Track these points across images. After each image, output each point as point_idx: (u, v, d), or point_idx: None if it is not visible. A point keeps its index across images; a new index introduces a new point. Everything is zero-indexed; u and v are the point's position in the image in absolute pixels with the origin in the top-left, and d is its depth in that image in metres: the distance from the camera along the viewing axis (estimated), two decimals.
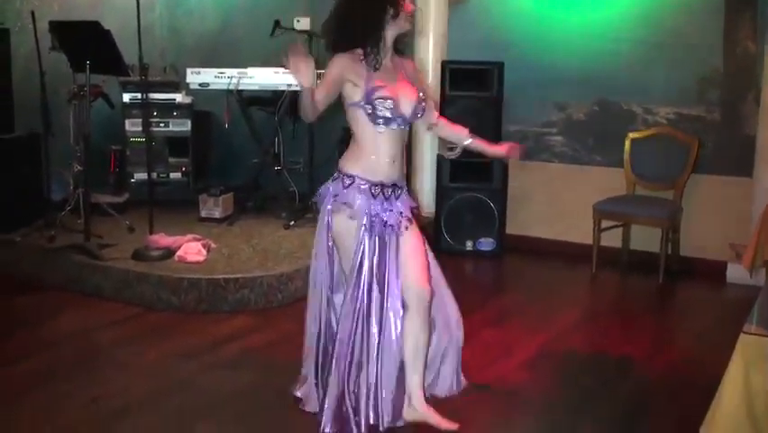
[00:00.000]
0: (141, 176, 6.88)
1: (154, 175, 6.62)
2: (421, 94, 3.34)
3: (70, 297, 5.29)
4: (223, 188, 6.68)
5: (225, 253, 5.54)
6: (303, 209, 6.65)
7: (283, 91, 6.60)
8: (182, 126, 7.22)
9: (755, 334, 2.32)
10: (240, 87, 6.54)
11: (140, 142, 6.88)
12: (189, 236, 5.61)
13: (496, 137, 6.50)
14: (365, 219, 3.26)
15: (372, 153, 3.29)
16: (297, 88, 6.53)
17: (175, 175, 7.24)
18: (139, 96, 6.73)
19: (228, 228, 6.34)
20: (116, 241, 5.74)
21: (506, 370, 4.15)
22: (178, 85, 7.17)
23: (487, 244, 6.49)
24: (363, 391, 3.23)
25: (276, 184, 6.93)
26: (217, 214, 6.52)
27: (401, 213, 3.35)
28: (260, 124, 6.96)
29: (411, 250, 3.35)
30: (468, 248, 6.51)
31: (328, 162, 6.97)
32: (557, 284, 5.94)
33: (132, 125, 7.04)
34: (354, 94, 3.25)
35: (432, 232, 6.59)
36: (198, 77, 6.61)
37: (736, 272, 5.61)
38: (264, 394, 3.85)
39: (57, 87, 6.21)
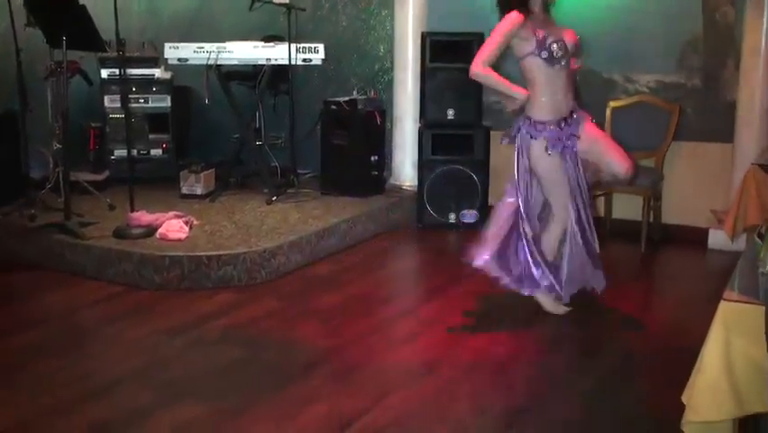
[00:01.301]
0: (120, 153, 6.83)
1: (134, 152, 6.59)
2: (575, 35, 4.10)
3: (52, 275, 5.26)
4: (204, 165, 6.65)
5: (207, 230, 5.52)
6: (285, 184, 6.64)
7: (263, 65, 6.56)
8: (162, 102, 7.17)
9: (735, 301, 2.33)
10: (219, 62, 6.49)
11: (119, 118, 6.83)
12: (171, 213, 5.58)
13: (477, 109, 6.51)
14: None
15: (554, 93, 4.07)
16: (277, 63, 6.54)
17: (155, 151, 7.20)
18: (117, 72, 6.67)
19: (210, 204, 6.31)
20: (97, 219, 5.71)
21: (488, 341, 4.16)
22: (156, 60, 7.11)
23: (470, 216, 6.48)
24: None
25: (257, 159, 6.90)
26: (199, 190, 6.49)
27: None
28: (240, 98, 6.91)
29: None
30: (451, 220, 6.50)
31: (309, 136, 6.98)
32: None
33: (111, 102, 6.99)
34: (525, 46, 4.01)
35: (415, 205, 6.59)
36: (177, 52, 6.55)
37: (718, 239, 5.64)
38: (249, 370, 3.85)
39: (34, 63, 6.14)
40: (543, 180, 4.24)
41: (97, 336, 4.37)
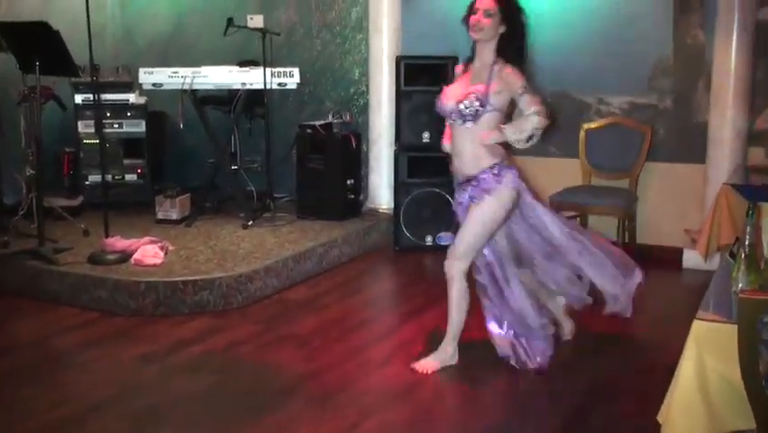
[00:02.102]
0: (95, 178, 6.80)
1: (109, 177, 6.55)
2: (472, 94, 3.78)
3: (26, 302, 5.20)
4: (179, 189, 6.62)
5: (183, 255, 5.49)
6: (261, 208, 6.63)
7: (238, 90, 6.57)
8: (136, 127, 7.14)
9: (708, 320, 2.35)
10: (194, 87, 6.49)
11: (93, 143, 6.79)
12: (146, 239, 5.55)
13: None
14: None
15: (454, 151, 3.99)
16: (252, 87, 6.55)
17: (130, 177, 7.16)
18: (91, 97, 6.64)
19: (186, 229, 6.28)
20: (71, 245, 5.66)
21: (468, 362, 4.16)
22: (131, 85, 7.09)
23: (446, 238, 6.47)
24: None
25: (233, 184, 6.89)
26: (174, 215, 6.46)
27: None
28: (215, 123, 6.91)
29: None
30: (427, 243, 6.51)
31: (285, 160, 6.98)
32: None
33: (85, 127, 6.95)
34: None
35: (391, 228, 6.60)
36: (151, 77, 6.55)
37: (692, 258, 5.68)
38: (225, 396, 3.82)
39: (6, 89, 6.11)
40: None
41: (71, 364, 4.31)
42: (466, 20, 3.89)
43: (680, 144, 6.09)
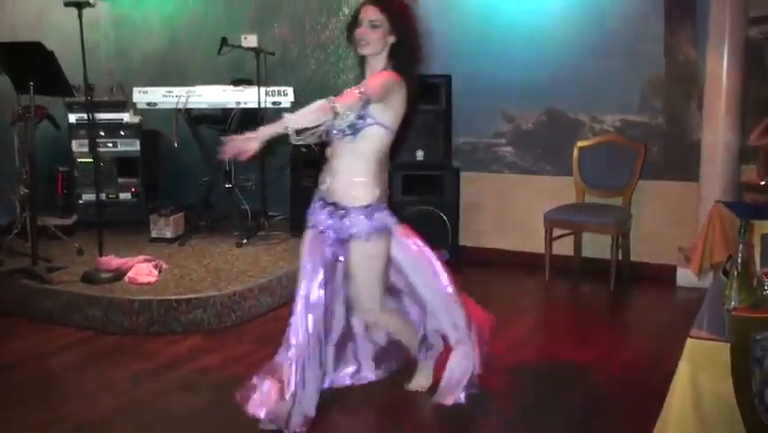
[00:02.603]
0: (89, 197, 6.79)
1: (103, 196, 6.55)
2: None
3: (20, 321, 5.19)
4: (173, 208, 6.62)
5: (177, 274, 5.48)
6: (255, 227, 6.62)
7: (232, 109, 6.58)
8: (131, 146, 7.15)
9: (701, 338, 2.35)
10: (188, 106, 6.49)
11: (87, 162, 6.79)
12: (140, 257, 5.54)
13: (446, 149, 6.57)
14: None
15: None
16: (246, 106, 6.56)
17: (124, 195, 7.16)
18: (85, 116, 6.65)
19: (180, 248, 6.28)
20: (65, 264, 5.66)
21: None
22: (125, 104, 7.09)
23: (440, 256, 6.47)
24: None
25: (227, 202, 6.89)
26: (168, 234, 6.46)
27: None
28: (209, 142, 6.91)
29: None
30: None
31: (279, 179, 6.99)
32: (511, 294, 5.97)
33: (79, 146, 6.95)
34: None
35: None
36: (146, 96, 6.55)
37: (686, 276, 5.68)
38: (217, 416, 3.80)
39: (1, 109, 6.11)
40: None
41: (64, 383, 4.30)
42: (350, 32, 3.48)
43: (672, 162, 6.11)
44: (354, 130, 3.40)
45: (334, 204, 3.56)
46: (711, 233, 4.66)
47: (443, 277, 3.83)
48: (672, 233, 6.03)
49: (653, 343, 4.79)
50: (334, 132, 3.44)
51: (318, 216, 3.65)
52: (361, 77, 3.57)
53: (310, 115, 3.27)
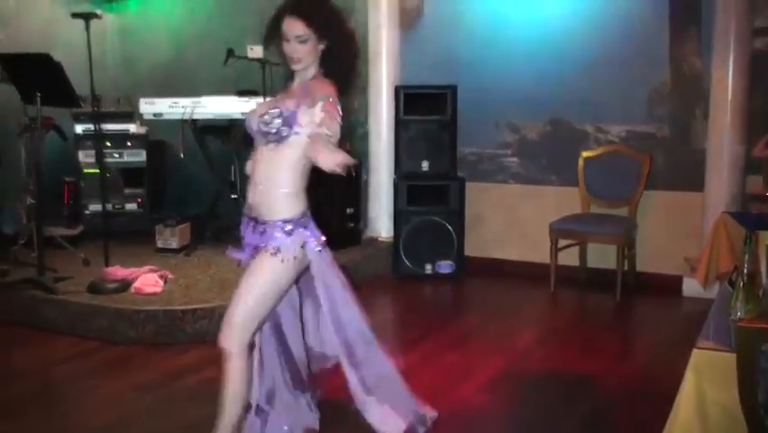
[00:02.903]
0: (95, 208, 6.81)
1: (109, 206, 6.56)
2: (276, 109, 3.07)
3: (26, 332, 5.19)
4: (179, 218, 6.63)
5: (183, 284, 5.49)
6: None
7: (237, 119, 6.58)
8: (137, 157, 7.17)
9: (707, 348, 2.35)
10: (194, 117, 6.51)
11: (94, 173, 6.82)
12: (146, 268, 5.55)
13: (452, 160, 6.58)
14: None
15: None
16: None
17: (130, 206, 7.17)
18: (92, 127, 6.67)
19: (185, 258, 6.28)
20: (71, 274, 5.66)
21: (466, 393, 4.15)
22: (131, 115, 7.12)
23: (446, 266, 6.50)
24: None
25: (233, 212, 6.89)
26: (174, 244, 6.47)
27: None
28: (215, 152, 6.94)
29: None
30: (427, 271, 6.51)
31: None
32: (516, 304, 5.96)
33: (86, 157, 6.98)
34: None
35: (390, 256, 6.60)
36: (152, 107, 6.58)
37: (692, 286, 5.65)
38: None
39: (7, 119, 6.13)
40: None
41: (70, 393, 4.30)
42: (278, 46, 3.20)
43: (678, 172, 6.11)
44: (280, 138, 3.08)
45: (255, 219, 3.19)
46: (717, 243, 4.65)
47: (366, 322, 3.44)
48: (677, 243, 6.02)
49: (659, 353, 4.78)
50: (260, 138, 3.16)
51: (249, 238, 3.25)
52: (287, 83, 3.29)
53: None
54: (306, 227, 3.23)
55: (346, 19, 3.24)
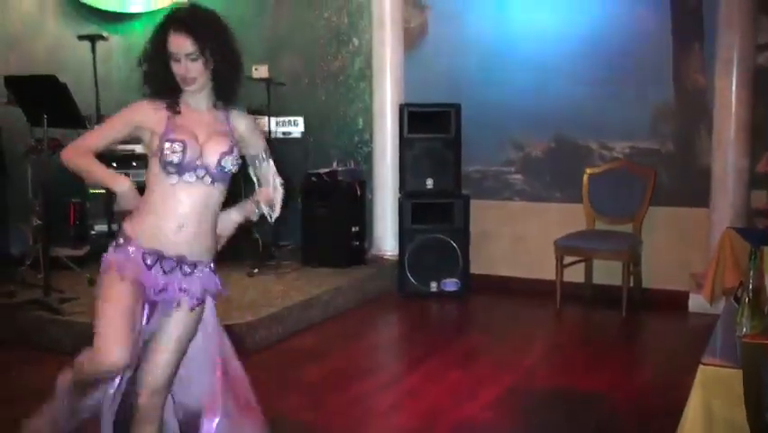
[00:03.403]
0: (101, 228, 6.82)
1: (115, 226, 6.57)
2: (232, 146, 2.89)
3: (31, 352, 5.18)
4: None
5: None
6: (266, 257, 6.63)
7: None
8: (142, 177, 7.14)
9: (713, 365, 2.35)
10: None
11: (99, 193, 6.83)
12: None
13: (456, 177, 6.59)
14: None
15: (154, 212, 2.86)
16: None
17: None
18: None
19: None
20: (77, 295, 5.66)
21: (471, 411, 4.14)
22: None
23: (451, 284, 6.50)
24: None
25: (239, 232, 6.88)
26: None
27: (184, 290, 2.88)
28: None
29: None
30: (432, 289, 6.51)
31: (290, 209, 7.00)
32: (522, 321, 5.95)
33: None
34: (153, 142, 2.89)
35: (396, 274, 6.60)
36: None
37: (699, 302, 5.65)
38: None
39: (15, 141, 6.17)
40: None
41: None
42: (161, 67, 2.90)
43: (683, 188, 6.11)
44: (225, 179, 2.91)
45: (180, 260, 2.85)
46: (722, 259, 4.65)
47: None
48: (683, 259, 6.01)
49: (666, 369, 4.77)
50: (204, 177, 2.84)
51: (163, 282, 2.84)
52: (171, 97, 2.93)
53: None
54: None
55: (230, 31, 2.98)
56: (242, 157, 2.99)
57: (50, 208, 5.79)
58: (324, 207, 6.71)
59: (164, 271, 2.83)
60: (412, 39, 6.98)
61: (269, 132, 6.42)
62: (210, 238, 2.93)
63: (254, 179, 3.20)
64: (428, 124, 6.52)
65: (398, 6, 6.92)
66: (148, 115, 2.92)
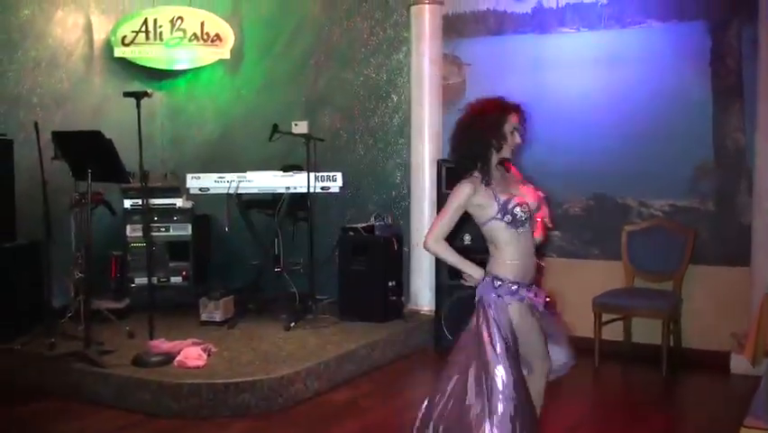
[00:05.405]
0: (141, 281, 6.91)
1: (155, 280, 6.66)
2: (539, 192, 3.72)
3: (71, 404, 5.23)
4: (223, 291, 6.69)
5: (226, 357, 5.52)
6: (303, 310, 6.65)
7: (282, 194, 6.70)
8: (183, 231, 7.28)
9: (756, 428, 2.31)
10: (239, 191, 6.63)
11: (140, 247, 6.94)
12: (189, 341, 5.60)
13: None
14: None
15: (522, 256, 3.63)
16: (296, 191, 6.66)
17: (175, 279, 7.27)
18: (140, 201, 6.81)
19: (229, 331, 6.33)
20: (116, 347, 5.72)
21: None
22: (178, 190, 7.26)
23: None
24: None
25: (276, 285, 6.96)
26: (218, 317, 6.52)
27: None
28: (259, 226, 7.04)
29: None
30: None
31: (327, 263, 7.06)
32: (560, 379, 5.86)
33: (133, 231, 7.11)
34: (486, 212, 3.58)
35: (432, 329, 6.58)
36: (198, 181, 6.73)
37: (741, 363, 5.56)
38: None
39: (59, 195, 6.29)
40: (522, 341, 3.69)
41: None
42: (500, 142, 3.64)
43: (723, 247, 6.05)
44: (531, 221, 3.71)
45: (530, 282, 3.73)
46: (765, 319, 4.57)
47: None
48: (725, 318, 5.93)
49: (707, 431, 4.68)
50: (527, 222, 3.66)
51: (535, 297, 3.72)
52: (493, 170, 3.67)
53: None
54: None
55: None
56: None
57: (91, 261, 5.88)
58: (361, 261, 6.74)
59: None
60: (451, 95, 7.05)
61: (308, 187, 6.48)
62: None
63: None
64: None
65: (437, 64, 7.01)
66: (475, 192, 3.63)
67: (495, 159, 3.64)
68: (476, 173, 3.62)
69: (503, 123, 3.65)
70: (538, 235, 3.77)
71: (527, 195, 3.69)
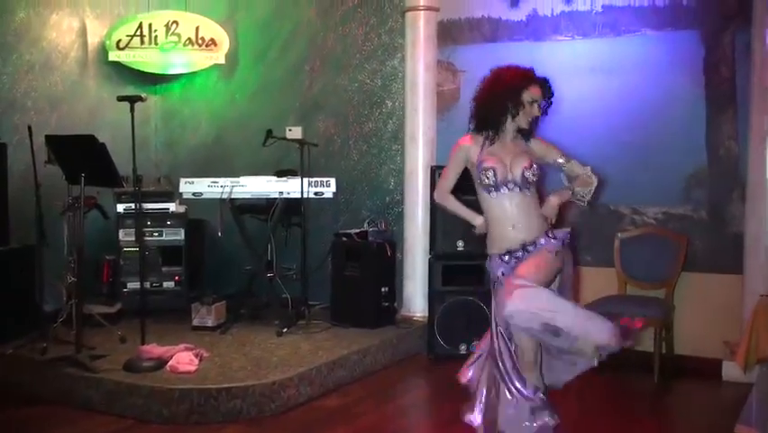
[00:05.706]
0: (134, 285, 6.89)
1: (147, 284, 6.64)
2: (533, 163, 3.80)
3: (62, 410, 5.21)
4: (215, 297, 6.68)
5: (218, 362, 5.50)
6: (296, 316, 6.65)
7: (275, 199, 6.69)
8: (176, 235, 7.27)
9: None
10: (233, 196, 6.62)
11: (133, 251, 6.92)
12: (181, 346, 5.58)
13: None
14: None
15: (498, 224, 3.82)
16: (289, 196, 6.66)
17: (168, 284, 7.24)
18: (133, 206, 6.80)
19: (221, 336, 6.31)
20: (108, 352, 5.70)
21: None
22: (171, 194, 7.25)
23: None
24: None
25: (269, 291, 6.95)
26: (210, 322, 6.50)
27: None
28: (252, 231, 7.03)
29: None
30: (462, 351, 6.43)
31: (320, 268, 7.05)
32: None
33: (126, 235, 7.09)
34: (473, 172, 3.79)
35: (425, 336, 6.58)
36: (192, 186, 6.71)
37: (732, 370, 5.58)
38: None
39: (52, 199, 6.27)
40: None
41: None
42: (517, 109, 3.85)
43: (716, 255, 6.06)
44: (530, 184, 3.88)
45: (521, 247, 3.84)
46: (757, 327, 4.59)
47: None
48: (717, 326, 5.94)
49: None
50: (512, 189, 3.82)
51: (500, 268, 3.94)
52: (494, 137, 3.90)
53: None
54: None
55: None
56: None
57: (84, 265, 5.86)
58: (354, 267, 6.74)
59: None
60: (445, 102, 7.06)
61: (302, 192, 6.48)
62: (536, 222, 3.82)
63: (564, 178, 4.12)
64: (459, 185, 6.52)
65: (432, 70, 7.02)
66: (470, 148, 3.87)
67: (511, 126, 3.80)
68: (484, 132, 3.77)
69: (522, 90, 3.78)
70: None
71: (515, 160, 3.78)
